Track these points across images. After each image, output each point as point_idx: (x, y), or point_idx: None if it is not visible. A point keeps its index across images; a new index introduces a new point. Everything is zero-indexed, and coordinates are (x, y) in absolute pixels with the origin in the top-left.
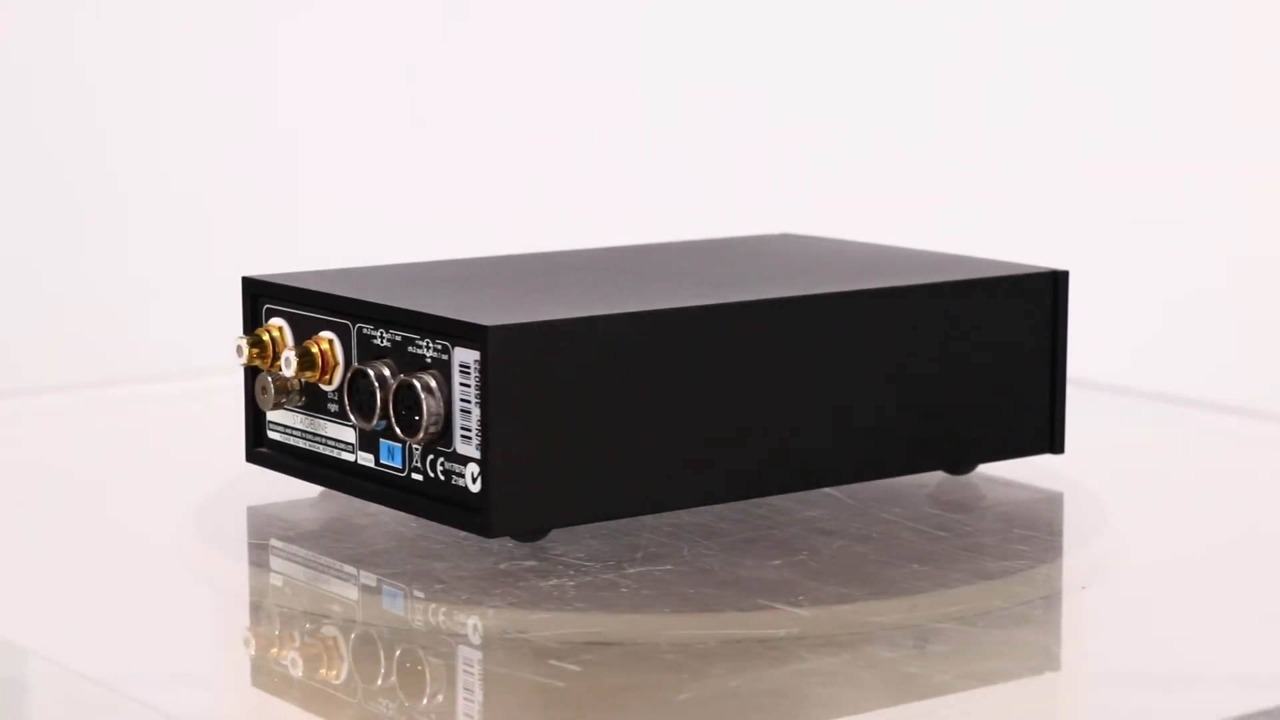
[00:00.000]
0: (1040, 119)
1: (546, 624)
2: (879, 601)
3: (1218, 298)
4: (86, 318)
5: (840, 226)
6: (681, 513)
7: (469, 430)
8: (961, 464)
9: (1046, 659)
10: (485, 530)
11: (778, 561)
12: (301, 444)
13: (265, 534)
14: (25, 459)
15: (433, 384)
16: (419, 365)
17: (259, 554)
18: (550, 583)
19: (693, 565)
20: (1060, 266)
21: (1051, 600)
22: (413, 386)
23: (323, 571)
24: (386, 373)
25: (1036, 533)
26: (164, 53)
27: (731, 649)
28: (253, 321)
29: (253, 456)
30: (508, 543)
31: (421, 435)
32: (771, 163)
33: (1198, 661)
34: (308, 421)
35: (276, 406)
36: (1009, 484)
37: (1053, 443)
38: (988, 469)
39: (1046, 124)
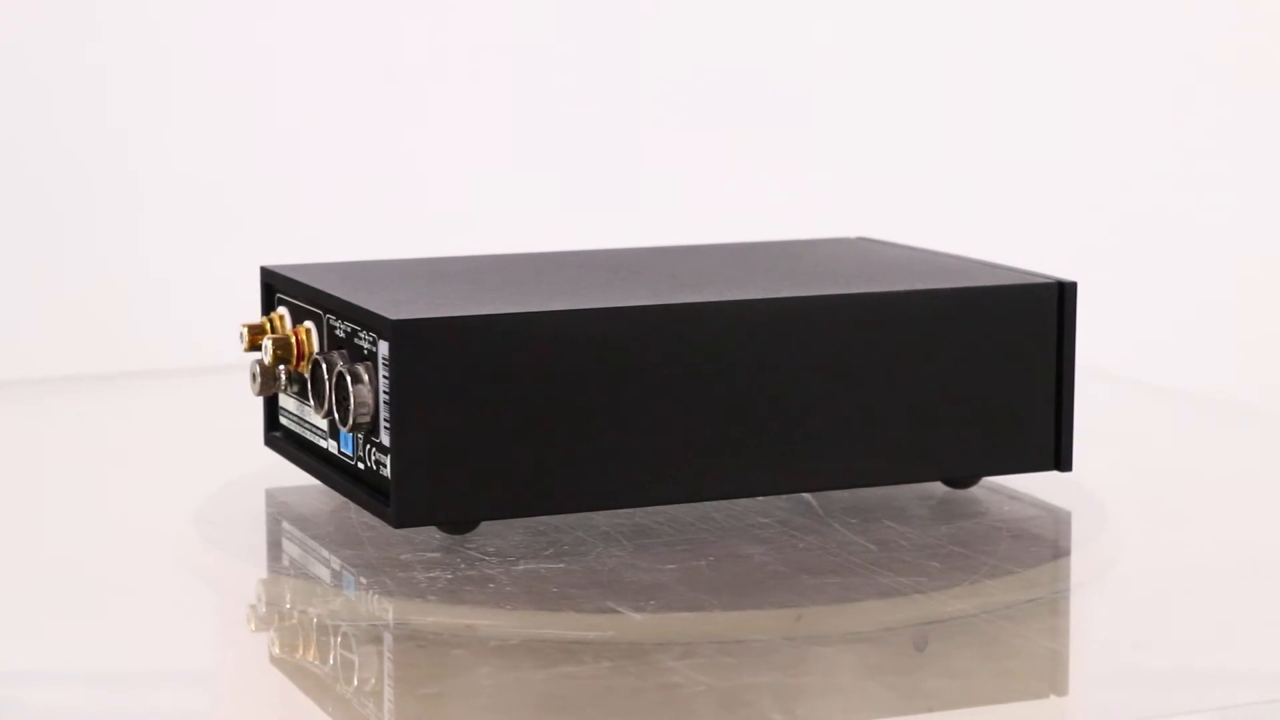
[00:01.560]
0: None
1: (377, 613)
2: (722, 613)
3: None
4: (107, 309)
5: (913, 231)
6: (637, 511)
7: (388, 422)
8: (959, 477)
9: (862, 693)
10: (393, 521)
11: (673, 566)
12: (296, 429)
13: (244, 524)
14: (30, 448)
15: (364, 375)
16: (361, 357)
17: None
18: (431, 574)
19: (588, 565)
20: (1069, 276)
21: (903, 632)
22: (344, 376)
23: (246, 554)
24: (339, 363)
25: (972, 553)
26: (180, 47)
27: (528, 648)
28: (268, 311)
29: (269, 441)
30: (435, 533)
31: (351, 424)
32: (849, 166)
33: (1187, 663)
34: (299, 408)
35: (263, 392)
36: (1013, 498)
37: (1058, 460)
38: (1004, 481)
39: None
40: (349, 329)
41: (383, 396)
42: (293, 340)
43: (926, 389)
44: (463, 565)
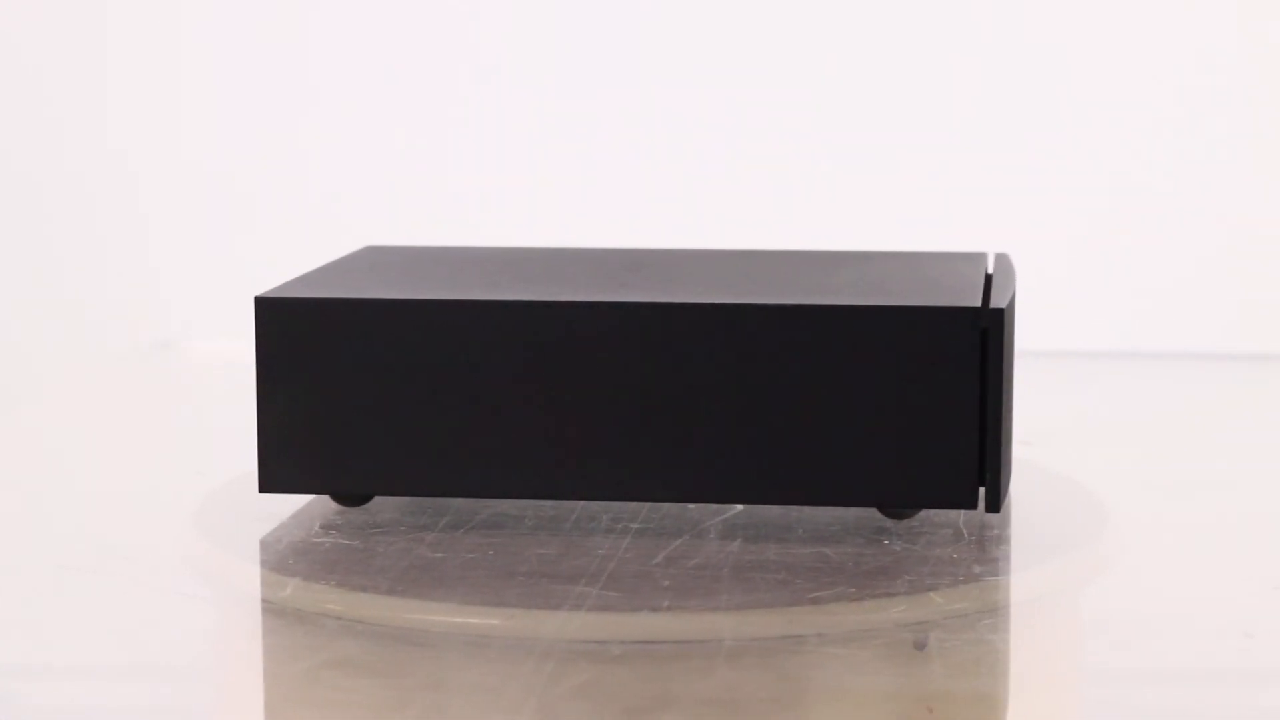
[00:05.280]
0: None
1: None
2: (364, 596)
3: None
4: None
5: None
6: (544, 504)
7: None
8: (882, 506)
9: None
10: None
11: (442, 555)
12: None
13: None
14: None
15: None
16: None
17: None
18: (271, 538)
19: (372, 548)
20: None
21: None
22: None
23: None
24: None
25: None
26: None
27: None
28: None
29: None
30: (332, 506)
31: None
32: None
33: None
34: None
35: None
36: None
37: (985, 498)
38: None
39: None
40: None
41: None
42: None
43: (831, 410)
44: (314, 534)
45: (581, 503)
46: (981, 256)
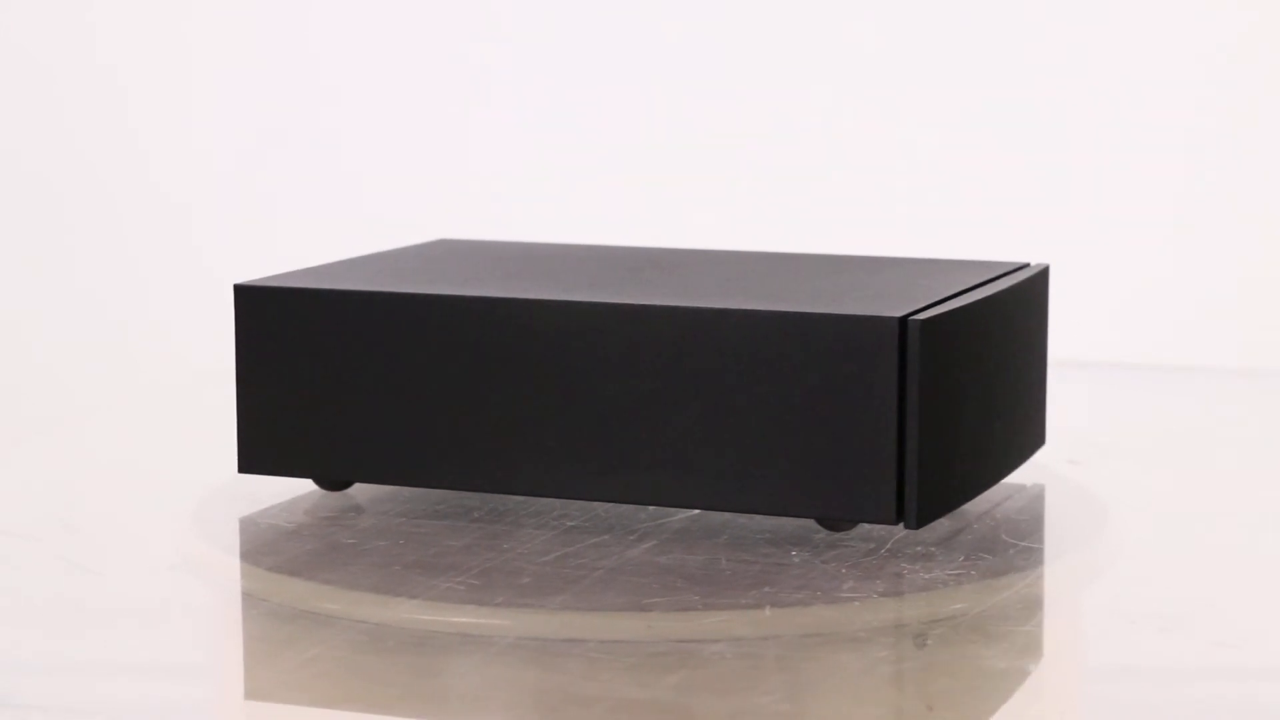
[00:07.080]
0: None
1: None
2: (264, 574)
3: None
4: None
5: None
6: (515, 498)
7: None
8: (807, 516)
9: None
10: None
11: (352, 541)
12: None
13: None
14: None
15: None
16: None
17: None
18: (222, 511)
19: (318, 530)
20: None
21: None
22: None
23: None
24: None
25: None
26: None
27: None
28: None
29: None
30: (316, 493)
31: None
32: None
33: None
34: None
35: None
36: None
37: (902, 514)
38: None
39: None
40: None
41: None
42: None
43: (757, 417)
44: (263, 517)
45: (541, 499)
46: (1004, 265)
